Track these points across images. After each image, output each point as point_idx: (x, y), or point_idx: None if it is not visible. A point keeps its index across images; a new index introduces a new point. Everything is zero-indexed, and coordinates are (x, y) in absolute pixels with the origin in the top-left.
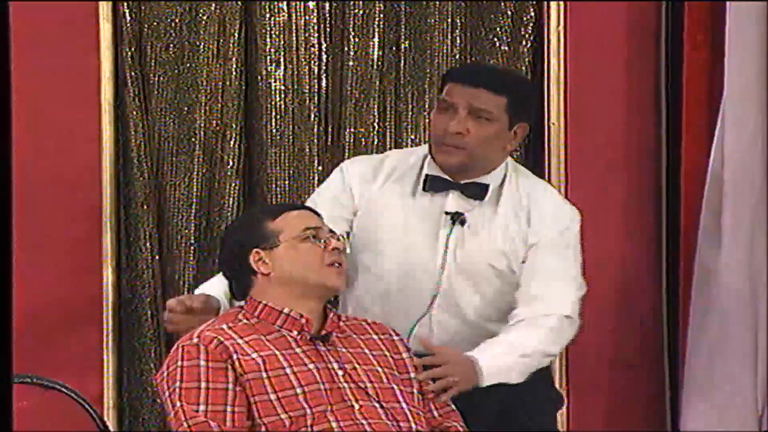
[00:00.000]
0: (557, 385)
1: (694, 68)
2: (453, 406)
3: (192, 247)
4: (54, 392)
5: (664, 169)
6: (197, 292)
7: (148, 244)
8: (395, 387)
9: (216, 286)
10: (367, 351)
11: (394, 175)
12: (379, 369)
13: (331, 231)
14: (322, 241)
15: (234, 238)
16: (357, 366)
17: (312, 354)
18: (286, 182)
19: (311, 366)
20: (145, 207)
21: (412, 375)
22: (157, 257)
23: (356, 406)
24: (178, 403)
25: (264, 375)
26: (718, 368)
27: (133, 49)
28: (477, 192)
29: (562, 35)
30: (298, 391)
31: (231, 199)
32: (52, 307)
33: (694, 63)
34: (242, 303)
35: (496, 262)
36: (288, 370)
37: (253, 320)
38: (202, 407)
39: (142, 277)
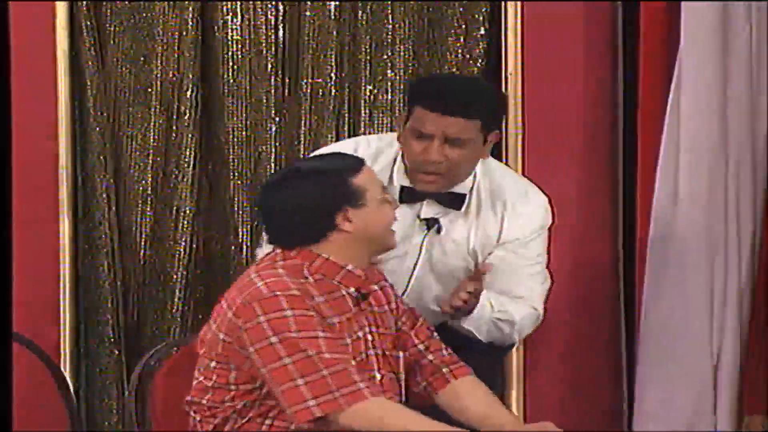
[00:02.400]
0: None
1: (650, 63)
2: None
3: (149, 199)
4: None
5: (620, 153)
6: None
7: (104, 195)
8: (400, 355)
9: None
10: (377, 309)
11: None
12: (387, 332)
13: None
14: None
15: (316, 193)
16: (377, 329)
17: (357, 317)
18: (243, 133)
19: (360, 333)
20: (101, 158)
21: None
22: (113, 208)
23: (378, 377)
24: (312, 351)
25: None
26: (675, 318)
27: None
28: (454, 202)
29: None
30: (353, 362)
31: (188, 150)
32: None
33: (650, 58)
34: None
35: (467, 262)
36: (348, 340)
37: (317, 276)
38: (328, 355)
39: (98, 228)
